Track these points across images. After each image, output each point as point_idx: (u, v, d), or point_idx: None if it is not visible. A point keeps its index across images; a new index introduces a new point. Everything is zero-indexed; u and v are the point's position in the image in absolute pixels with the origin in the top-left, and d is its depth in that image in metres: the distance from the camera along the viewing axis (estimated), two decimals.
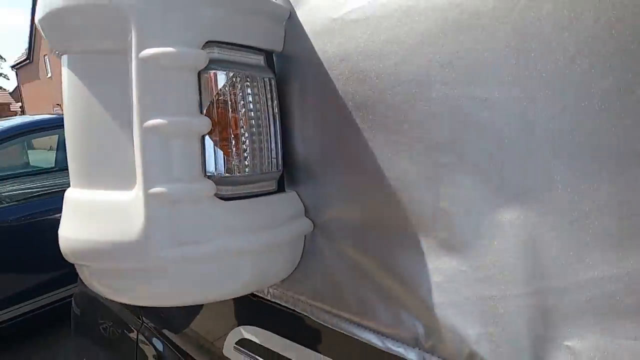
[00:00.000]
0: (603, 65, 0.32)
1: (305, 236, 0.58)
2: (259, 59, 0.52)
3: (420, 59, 0.42)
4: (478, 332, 0.40)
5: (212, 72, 0.46)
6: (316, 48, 0.51)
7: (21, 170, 3.55)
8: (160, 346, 1.07)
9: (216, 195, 0.47)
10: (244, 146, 0.49)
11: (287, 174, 0.59)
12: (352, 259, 0.52)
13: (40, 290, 2.93)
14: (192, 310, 0.91)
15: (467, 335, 0.41)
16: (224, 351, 0.83)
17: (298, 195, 0.58)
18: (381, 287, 0.49)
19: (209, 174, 0.47)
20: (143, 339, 1.11)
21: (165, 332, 1.02)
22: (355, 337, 0.52)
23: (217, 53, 0.47)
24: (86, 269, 0.53)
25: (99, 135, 0.50)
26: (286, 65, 0.56)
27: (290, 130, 0.57)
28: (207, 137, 0.47)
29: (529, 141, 0.36)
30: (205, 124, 0.45)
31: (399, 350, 0.48)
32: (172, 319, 1.01)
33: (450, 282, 0.42)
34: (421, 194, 0.44)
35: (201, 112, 0.46)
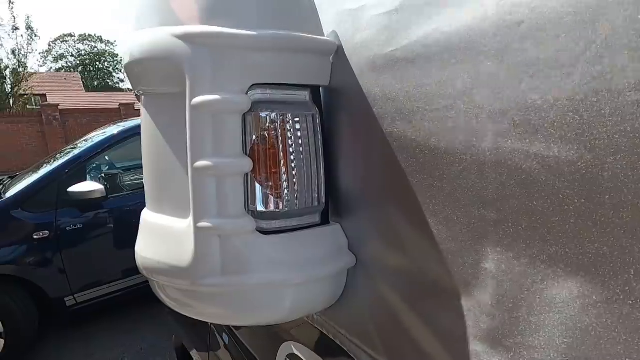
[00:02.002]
0: None
1: (348, 270, 0.58)
2: (304, 95, 0.53)
3: (470, 106, 0.37)
4: None
5: (255, 113, 0.48)
6: (362, 84, 0.49)
7: (140, 162, 4.18)
8: (227, 339, 1.18)
9: (257, 229, 0.50)
10: (284, 182, 0.50)
11: (333, 205, 0.59)
12: (389, 303, 0.49)
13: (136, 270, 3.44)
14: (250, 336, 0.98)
15: None
16: (277, 358, 0.88)
17: (342, 227, 0.58)
18: (414, 339, 0.45)
19: (251, 209, 0.50)
20: (215, 331, 1.24)
21: (232, 329, 1.12)
22: None
23: (261, 94, 0.49)
24: (155, 282, 0.60)
25: (165, 167, 0.56)
26: (333, 98, 0.55)
27: (336, 162, 0.56)
28: (249, 175, 0.49)
29: (594, 210, 0.30)
30: (247, 164, 0.47)
31: None
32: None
33: (487, 348, 0.38)
34: (464, 248, 0.40)
35: (245, 153, 0.48)
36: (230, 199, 0.48)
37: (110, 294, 3.35)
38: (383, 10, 0.46)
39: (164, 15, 0.51)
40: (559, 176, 0.31)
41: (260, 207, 0.50)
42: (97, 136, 3.85)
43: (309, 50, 0.50)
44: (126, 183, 3.83)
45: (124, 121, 4.37)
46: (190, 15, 0.48)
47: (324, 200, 0.55)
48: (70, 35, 40.98)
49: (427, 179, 0.43)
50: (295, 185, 0.51)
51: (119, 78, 43.35)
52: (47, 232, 3.10)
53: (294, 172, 0.50)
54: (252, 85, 0.48)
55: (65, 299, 3.19)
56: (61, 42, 40.63)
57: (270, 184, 0.49)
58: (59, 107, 12.12)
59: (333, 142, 0.56)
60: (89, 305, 3.29)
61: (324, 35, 0.54)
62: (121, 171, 3.87)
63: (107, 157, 3.79)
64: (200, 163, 0.47)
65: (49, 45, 39.57)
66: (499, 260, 0.37)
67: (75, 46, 41.35)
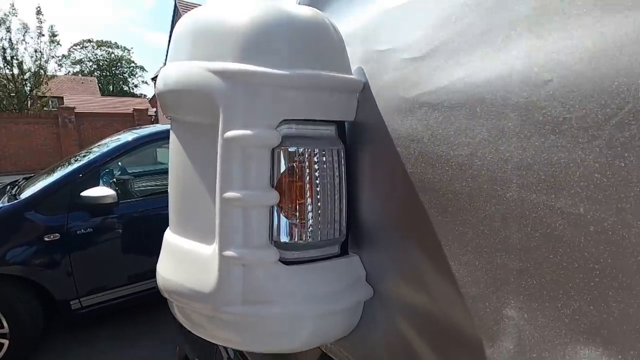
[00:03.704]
0: None
1: (365, 301, 0.58)
2: (331, 130, 0.55)
3: (494, 155, 0.38)
4: None
5: (284, 148, 0.50)
6: (387, 123, 0.51)
7: (151, 168, 4.23)
8: (231, 353, 1.18)
9: (280, 259, 0.51)
10: (309, 214, 0.52)
11: (352, 237, 0.60)
12: (404, 337, 0.50)
13: (151, 274, 3.46)
14: None
15: None
16: None
17: (360, 259, 0.59)
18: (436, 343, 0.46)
19: (275, 240, 0.51)
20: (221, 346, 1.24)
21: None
22: None
23: (290, 129, 0.50)
24: (173, 302, 0.62)
25: (191, 193, 0.58)
26: (358, 133, 0.57)
27: (357, 195, 0.58)
28: (275, 207, 0.51)
29: (621, 270, 0.30)
30: (274, 197, 0.49)
31: None
32: None
33: None
34: (485, 295, 0.40)
35: (272, 185, 0.50)
36: (256, 230, 0.49)
37: (115, 299, 3.36)
38: (411, 55, 0.48)
39: (201, 49, 0.53)
40: (585, 234, 0.32)
41: (284, 239, 0.51)
42: (112, 142, 3.93)
43: (336, 88, 0.52)
44: (137, 189, 3.87)
45: (138, 128, 4.46)
46: (226, 53, 0.50)
47: (344, 232, 0.56)
48: (89, 41, 42.23)
49: (449, 222, 0.44)
50: (319, 217, 0.52)
51: (133, 84, 44.41)
52: (57, 234, 3.14)
53: (318, 204, 0.52)
54: (282, 121, 0.50)
55: (71, 302, 3.21)
56: (80, 47, 41.87)
57: (296, 215, 0.50)
58: (75, 110, 12.40)
59: (356, 175, 0.57)
60: (94, 310, 3.30)
61: (351, 73, 0.56)
62: (133, 177, 3.92)
63: (119, 163, 3.85)
64: (229, 194, 0.48)
65: (69, 51, 40.77)
66: (521, 309, 0.37)
67: (93, 51, 42.55)
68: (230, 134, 0.48)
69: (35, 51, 14.58)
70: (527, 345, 0.37)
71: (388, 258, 0.54)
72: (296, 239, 0.51)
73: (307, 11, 0.55)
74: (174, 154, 0.62)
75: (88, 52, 41.91)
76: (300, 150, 0.50)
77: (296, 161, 0.50)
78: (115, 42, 44.25)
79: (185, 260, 0.57)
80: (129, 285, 3.44)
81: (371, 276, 0.57)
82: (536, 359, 0.36)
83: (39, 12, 14.71)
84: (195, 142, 0.57)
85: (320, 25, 0.54)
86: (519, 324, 0.38)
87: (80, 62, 41.46)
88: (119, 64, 43.34)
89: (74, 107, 12.57)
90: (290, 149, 0.50)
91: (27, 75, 14.81)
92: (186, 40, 0.56)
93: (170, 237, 0.62)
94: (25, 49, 17.94)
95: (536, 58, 0.36)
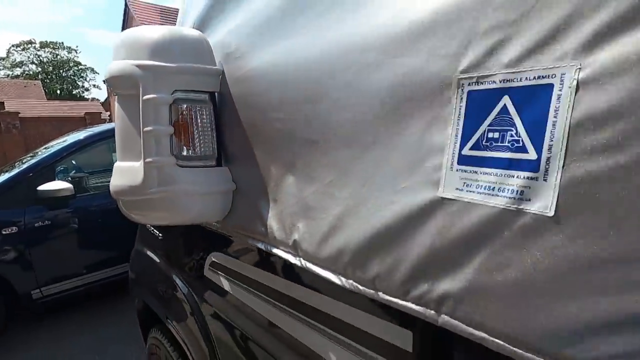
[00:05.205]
0: None
1: (233, 193, 1.05)
2: (205, 96, 1.01)
3: (271, 105, 0.86)
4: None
5: (174, 105, 0.95)
6: (231, 91, 0.98)
7: (107, 167, 4.42)
8: (184, 289, 1.59)
9: (178, 164, 0.97)
10: (193, 140, 0.98)
11: (224, 156, 1.07)
12: (256, 203, 0.98)
13: (108, 263, 3.73)
14: (189, 250, 1.43)
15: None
16: (205, 273, 1.33)
17: (229, 169, 1.06)
18: (262, 214, 0.94)
19: (174, 154, 0.97)
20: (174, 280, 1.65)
21: (182, 270, 1.55)
22: (270, 252, 0.96)
23: (179, 94, 0.96)
24: (121, 202, 1.05)
25: (126, 135, 1.02)
26: (221, 98, 1.04)
27: (223, 131, 1.05)
28: (173, 136, 0.96)
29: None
30: (170, 130, 0.95)
31: (278, 251, 0.91)
32: (183, 258, 1.53)
33: (286, 196, 0.86)
34: (285, 176, 0.88)
35: (170, 124, 0.95)
36: (163, 148, 0.95)
37: (75, 287, 3.60)
38: (236, 55, 0.95)
39: (130, 53, 0.97)
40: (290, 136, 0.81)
41: (177, 152, 0.97)
42: (66, 139, 4.11)
43: (205, 73, 0.99)
44: (92, 185, 4.08)
45: (94, 126, 4.63)
46: (143, 55, 0.95)
47: (216, 152, 1.03)
48: (30, 42, 39.45)
49: (265, 144, 0.91)
50: (198, 142, 0.98)
51: (84, 87, 41.93)
52: (15, 227, 3.33)
53: (197, 135, 0.98)
54: (174, 90, 0.95)
55: (32, 292, 3.41)
56: (21, 49, 38.91)
57: (184, 140, 0.97)
58: (19, 115, 11.89)
59: (222, 120, 1.04)
60: (56, 298, 3.51)
61: (215, 65, 1.03)
62: (87, 174, 4.11)
63: (73, 162, 4.04)
64: (147, 129, 0.93)
65: (8, 53, 37.76)
66: (295, 176, 0.86)
67: (36, 53, 39.78)
68: (145, 97, 0.93)
69: None
70: (298, 186, 0.86)
71: (242, 168, 1.01)
72: (185, 154, 0.97)
73: (192, 32, 1.01)
74: (118, 114, 1.05)
75: (30, 53, 39.22)
76: (185, 106, 0.96)
77: (183, 112, 0.96)
78: (62, 43, 41.55)
79: (125, 173, 1.01)
80: (88, 274, 3.67)
81: (235, 178, 1.05)
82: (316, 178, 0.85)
83: None
84: (128, 104, 1.01)
85: (198, 39, 1.01)
86: (295, 178, 0.86)
87: (21, 64, 38.71)
88: (66, 65, 40.84)
89: (18, 112, 12.08)
90: (180, 105, 0.96)
91: None
92: (121, 48, 1.00)
93: (117, 164, 1.05)
94: None
95: (305, 48, 0.84)
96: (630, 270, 0.34)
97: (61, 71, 40.55)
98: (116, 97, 1.06)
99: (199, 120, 0.98)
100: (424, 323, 0.53)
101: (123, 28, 17.21)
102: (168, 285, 1.66)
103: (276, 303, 0.94)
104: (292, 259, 0.80)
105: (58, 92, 39.40)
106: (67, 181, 3.61)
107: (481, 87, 0.44)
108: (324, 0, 0.70)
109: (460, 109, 0.46)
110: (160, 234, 1.71)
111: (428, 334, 0.56)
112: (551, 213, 0.38)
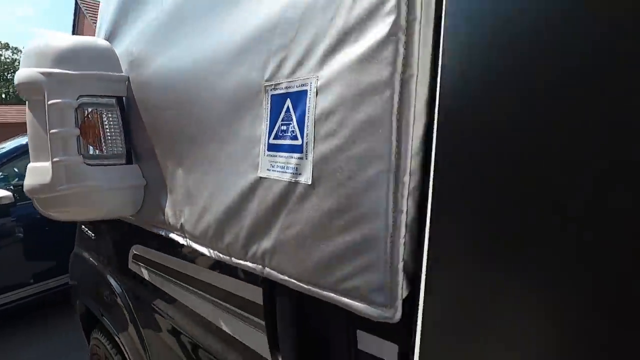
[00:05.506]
0: None
1: (144, 189, 1.16)
2: (111, 101, 1.11)
3: (175, 103, 0.98)
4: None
5: (81, 108, 1.05)
6: (136, 95, 1.09)
7: None
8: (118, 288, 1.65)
9: (85, 163, 1.06)
10: (100, 141, 1.07)
11: (134, 155, 1.17)
12: (158, 195, 1.08)
13: (57, 271, 3.63)
14: (115, 246, 1.51)
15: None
16: (129, 266, 1.41)
17: (139, 166, 1.16)
18: (164, 201, 1.05)
19: (82, 153, 1.06)
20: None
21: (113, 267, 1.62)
22: (169, 238, 1.07)
23: (85, 99, 1.06)
24: (36, 200, 1.13)
25: (37, 138, 1.09)
26: (128, 102, 1.14)
27: (132, 133, 1.15)
28: (80, 137, 1.05)
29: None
30: (76, 132, 1.04)
31: (173, 235, 1.03)
32: (112, 255, 1.61)
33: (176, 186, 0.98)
34: (192, 169, 1.00)
35: (77, 126, 1.05)
36: (70, 148, 1.04)
37: (19, 299, 3.47)
38: (139, 62, 1.06)
39: (37, 61, 1.05)
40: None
41: (86, 152, 1.06)
42: (6, 145, 3.96)
43: (110, 79, 1.09)
44: None
45: None
46: (48, 63, 1.03)
47: (125, 151, 1.13)
48: None
49: (163, 142, 1.03)
50: (105, 142, 1.08)
51: None
52: None
53: (104, 137, 1.08)
54: (79, 96, 1.04)
55: None
56: None
57: (91, 141, 1.06)
58: None
59: (129, 122, 1.14)
60: (1, 311, 3.37)
61: (122, 72, 1.13)
62: None
63: (15, 169, 3.90)
64: (53, 131, 1.02)
65: None
66: (182, 168, 0.97)
67: None
68: (50, 102, 1.02)
69: None
70: (182, 177, 0.98)
71: (149, 165, 1.12)
72: (92, 153, 1.07)
73: (100, 41, 1.11)
74: (29, 119, 1.12)
75: None
76: (90, 109, 1.06)
77: (88, 115, 1.06)
78: (7, 43, 38.76)
79: (37, 172, 1.08)
80: (31, 286, 3.55)
81: (145, 175, 1.15)
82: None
83: None
84: (36, 109, 1.08)
85: (104, 48, 1.10)
86: (185, 170, 0.98)
87: None
88: (11, 67, 38.14)
89: None
90: (85, 109, 1.05)
91: None
92: (30, 56, 1.07)
93: (30, 165, 1.13)
94: None
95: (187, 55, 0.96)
96: (348, 218, 0.50)
97: (6, 74, 37.83)
98: (27, 103, 1.13)
99: (105, 123, 1.08)
100: (263, 278, 0.68)
101: (74, 27, 16.46)
102: (101, 283, 1.72)
103: (181, 283, 1.06)
104: (181, 240, 0.93)
105: (3, 95, 36.74)
106: (7, 189, 3.50)
107: (277, 92, 0.59)
108: (196, 12, 0.83)
109: (267, 108, 0.61)
110: (93, 234, 1.77)
111: (268, 288, 0.71)
112: (310, 182, 0.53)
